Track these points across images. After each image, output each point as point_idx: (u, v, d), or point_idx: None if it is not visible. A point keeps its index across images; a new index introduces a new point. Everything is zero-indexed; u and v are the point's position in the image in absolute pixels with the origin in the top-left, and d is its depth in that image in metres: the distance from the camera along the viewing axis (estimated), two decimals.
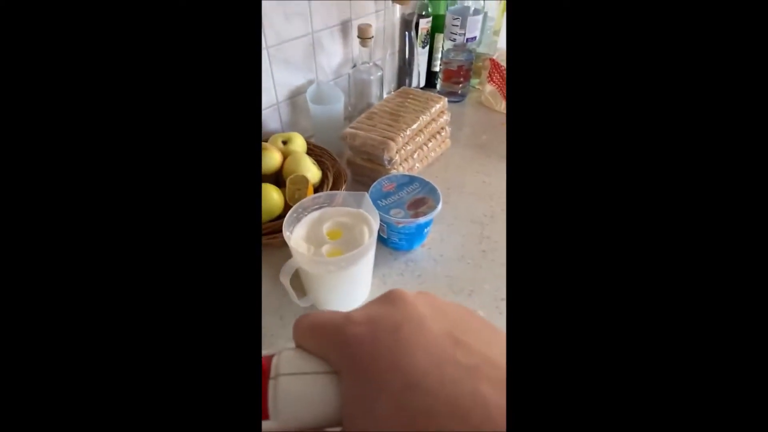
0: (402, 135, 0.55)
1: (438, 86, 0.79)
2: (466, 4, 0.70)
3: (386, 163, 0.55)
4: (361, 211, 0.42)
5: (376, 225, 0.40)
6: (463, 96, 0.79)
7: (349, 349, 0.15)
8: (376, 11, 0.68)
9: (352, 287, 0.41)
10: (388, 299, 0.17)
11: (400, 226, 0.46)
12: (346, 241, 0.39)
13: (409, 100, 0.62)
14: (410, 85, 0.75)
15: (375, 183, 0.51)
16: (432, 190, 0.49)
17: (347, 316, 0.16)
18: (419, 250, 0.51)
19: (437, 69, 0.79)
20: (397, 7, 0.67)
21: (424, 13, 0.70)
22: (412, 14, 0.69)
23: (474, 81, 0.80)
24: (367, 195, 0.41)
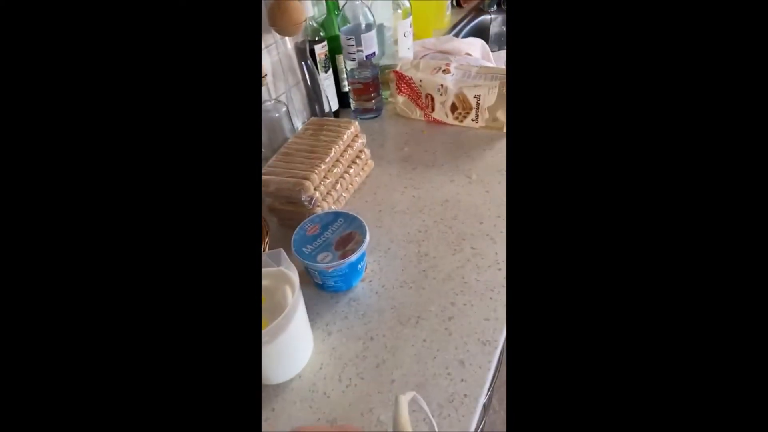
0: (317, 171, 0.53)
1: (352, 106, 0.78)
2: (359, 21, 0.70)
3: (307, 203, 0.52)
4: (281, 269, 0.39)
5: (296, 279, 0.37)
6: (379, 110, 0.78)
7: None
8: (266, 46, 0.65)
9: (290, 353, 0.38)
10: None
11: (331, 270, 0.44)
12: (269, 308, 0.36)
13: (323, 132, 0.60)
14: (322, 111, 0.73)
15: (298, 229, 0.48)
16: (357, 224, 0.47)
17: None
18: (360, 286, 0.49)
19: (347, 89, 0.77)
20: (287, 38, 0.65)
21: (317, 38, 0.68)
22: (304, 42, 0.68)
23: (385, 93, 0.79)
24: (282, 251, 0.39)
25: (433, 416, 0.35)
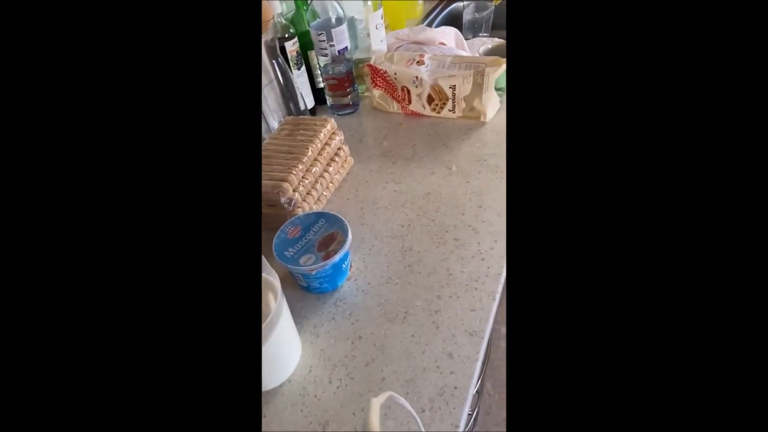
0: (295, 172, 0.52)
1: (328, 102, 0.77)
2: (329, 15, 0.68)
3: (287, 205, 0.52)
4: (263, 275, 0.38)
5: (278, 285, 0.37)
6: (356, 105, 0.77)
7: None
8: None
9: (277, 359, 0.38)
10: None
11: (314, 272, 0.44)
12: None
13: (300, 131, 0.59)
14: (297, 109, 0.71)
15: (278, 232, 0.47)
16: (339, 224, 0.47)
17: None
18: (346, 285, 0.48)
19: (322, 85, 0.76)
20: None
21: (287, 35, 0.67)
22: (273, 40, 0.66)
23: (361, 87, 0.78)
24: (261, 257, 0.38)
25: (424, 410, 0.36)
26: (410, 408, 0.27)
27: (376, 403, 0.20)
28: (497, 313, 1.29)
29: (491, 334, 0.87)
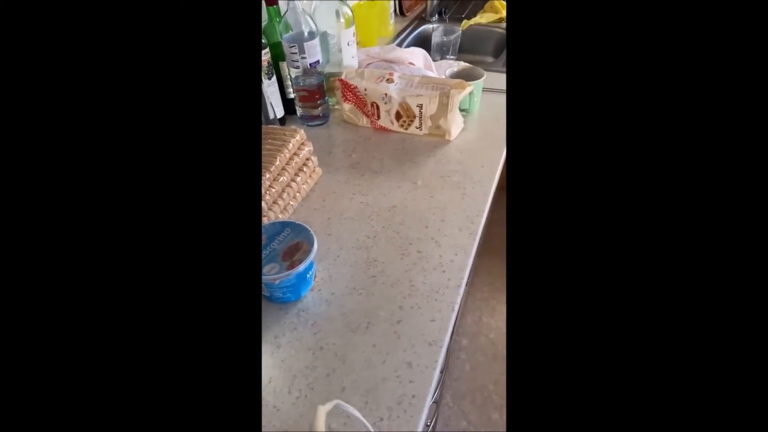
0: (261, 180, 0.52)
1: (298, 113, 0.77)
2: (302, 28, 0.69)
3: None
4: None
5: None
6: (326, 117, 0.78)
7: None
8: None
9: None
10: None
11: (277, 282, 0.44)
12: None
13: (268, 140, 0.59)
14: (267, 118, 0.71)
15: None
16: (305, 233, 0.47)
17: None
18: (309, 296, 0.49)
19: (292, 96, 0.77)
20: None
21: None
22: None
23: (332, 100, 0.80)
24: None
25: (382, 419, 0.36)
26: (359, 414, 0.28)
27: (323, 410, 0.21)
28: (459, 324, 1.30)
29: (452, 345, 0.90)
